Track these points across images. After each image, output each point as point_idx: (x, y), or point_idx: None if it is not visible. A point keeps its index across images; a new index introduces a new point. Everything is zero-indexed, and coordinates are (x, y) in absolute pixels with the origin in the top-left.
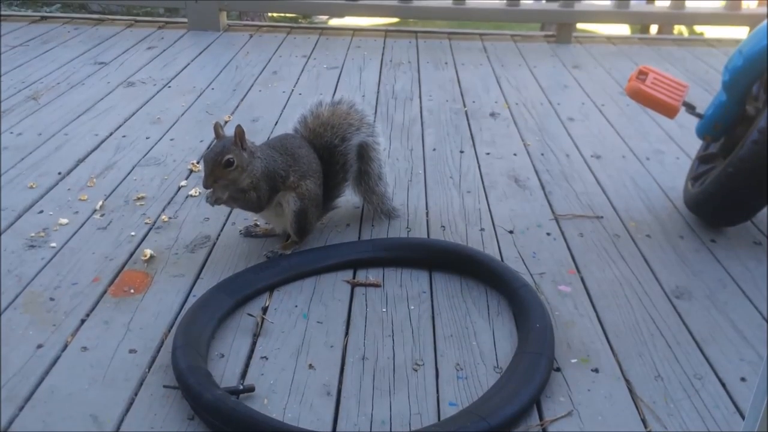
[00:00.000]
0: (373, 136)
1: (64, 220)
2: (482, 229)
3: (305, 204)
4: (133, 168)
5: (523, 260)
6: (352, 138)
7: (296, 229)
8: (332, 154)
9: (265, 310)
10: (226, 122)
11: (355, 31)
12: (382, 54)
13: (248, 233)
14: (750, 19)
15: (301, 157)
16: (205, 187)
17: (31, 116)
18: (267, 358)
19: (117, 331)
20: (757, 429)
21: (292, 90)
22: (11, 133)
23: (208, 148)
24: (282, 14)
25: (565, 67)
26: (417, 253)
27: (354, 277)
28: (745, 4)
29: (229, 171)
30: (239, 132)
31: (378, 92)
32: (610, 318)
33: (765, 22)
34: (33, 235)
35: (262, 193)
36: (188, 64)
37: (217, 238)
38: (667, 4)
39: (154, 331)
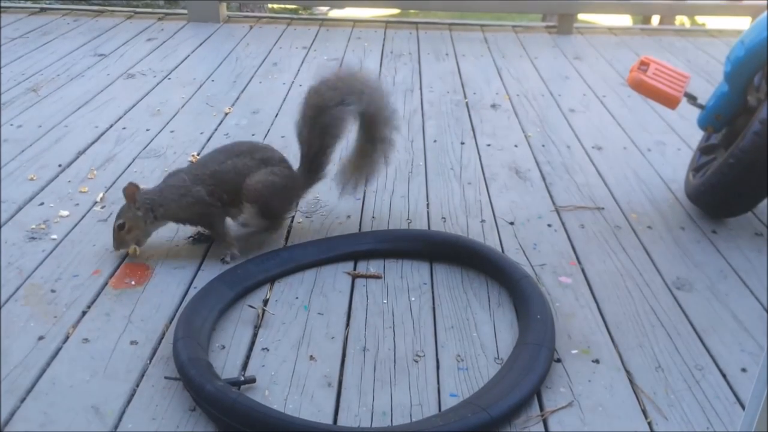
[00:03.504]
0: (381, 106)
1: (64, 213)
2: (483, 221)
3: (263, 200)
4: (134, 160)
5: (523, 252)
6: (351, 103)
7: (269, 224)
8: (321, 113)
9: (266, 301)
10: (226, 114)
11: (356, 22)
12: (383, 45)
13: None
14: (751, 10)
15: (226, 171)
16: (115, 249)
17: (31, 108)
18: (268, 350)
19: (118, 323)
20: (758, 419)
21: (293, 82)
22: (11, 125)
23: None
24: (282, 5)
25: (566, 58)
26: (418, 244)
27: (355, 269)
28: None
29: (125, 233)
30: (127, 193)
31: None
32: (610, 309)
33: (766, 12)
34: (34, 227)
35: (216, 219)
36: (188, 56)
37: None
38: None
39: (155, 323)
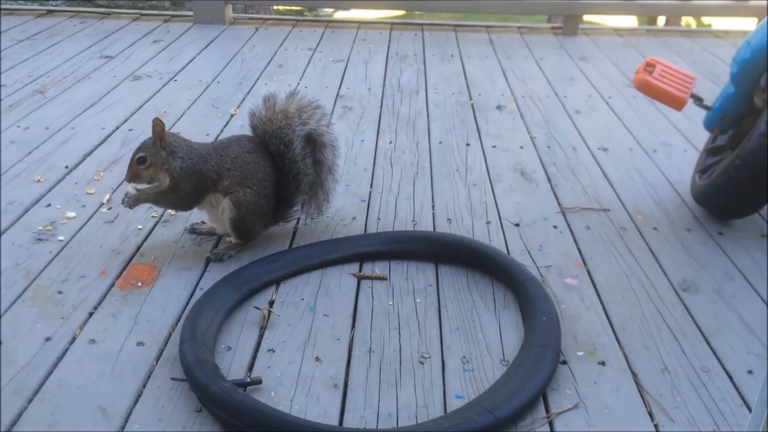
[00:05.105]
0: (317, 125)
1: (71, 214)
2: (488, 222)
3: (242, 213)
4: None
5: (529, 253)
6: (293, 139)
7: (236, 235)
8: (283, 162)
9: (271, 303)
10: (232, 115)
11: (361, 23)
12: (388, 47)
13: (192, 230)
14: (758, 11)
15: (246, 162)
16: (126, 181)
17: (38, 110)
18: (274, 351)
19: (124, 324)
20: (764, 422)
21: (298, 83)
22: (18, 127)
23: None
24: (287, 7)
25: (572, 59)
26: (423, 246)
27: (360, 270)
28: None
29: (143, 168)
30: (157, 129)
31: (384, 85)
32: (616, 311)
33: None
34: (41, 228)
35: (184, 193)
36: (194, 58)
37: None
38: None
39: (161, 324)
